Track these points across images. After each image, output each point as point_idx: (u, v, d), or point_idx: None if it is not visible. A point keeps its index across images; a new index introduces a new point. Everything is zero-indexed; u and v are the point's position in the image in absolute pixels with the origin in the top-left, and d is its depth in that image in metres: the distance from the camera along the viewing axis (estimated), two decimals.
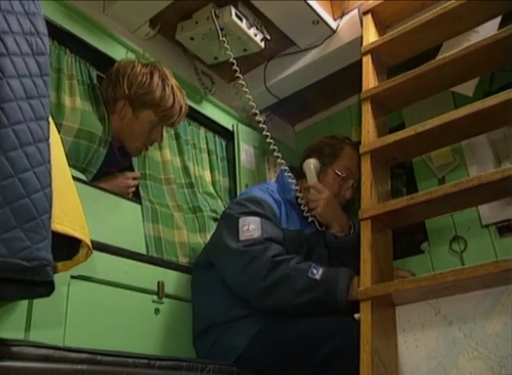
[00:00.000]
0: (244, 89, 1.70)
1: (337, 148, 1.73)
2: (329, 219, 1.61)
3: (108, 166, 1.59)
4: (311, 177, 1.68)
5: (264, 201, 1.55)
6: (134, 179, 1.63)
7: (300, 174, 1.73)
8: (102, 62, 1.67)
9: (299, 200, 1.64)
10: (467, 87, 1.74)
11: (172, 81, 1.62)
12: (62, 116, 1.44)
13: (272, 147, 1.66)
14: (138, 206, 1.57)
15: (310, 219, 1.62)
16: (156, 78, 1.57)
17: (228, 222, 1.51)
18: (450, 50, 1.50)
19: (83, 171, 1.47)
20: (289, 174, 1.65)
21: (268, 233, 1.44)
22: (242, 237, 1.42)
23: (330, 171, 1.70)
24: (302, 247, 1.57)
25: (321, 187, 1.64)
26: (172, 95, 1.59)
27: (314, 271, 1.33)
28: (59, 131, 1.33)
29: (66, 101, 1.49)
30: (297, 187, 1.64)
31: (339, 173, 1.68)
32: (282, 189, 1.68)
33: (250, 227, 1.44)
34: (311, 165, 1.70)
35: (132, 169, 1.68)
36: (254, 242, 1.40)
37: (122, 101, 1.57)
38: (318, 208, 1.60)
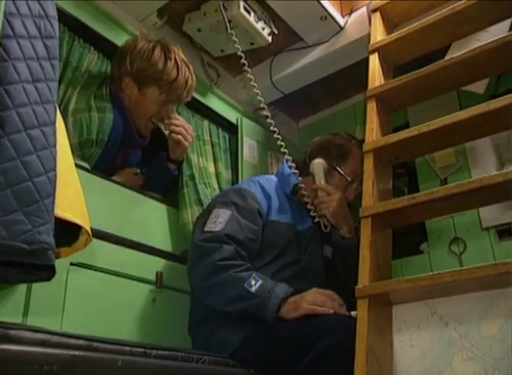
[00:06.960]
0: (252, 83, 1.69)
1: (345, 149, 1.71)
2: (340, 220, 1.62)
3: (127, 145, 1.60)
4: (320, 179, 1.66)
5: (249, 193, 1.53)
6: (135, 174, 1.63)
7: (304, 170, 1.71)
8: (109, 49, 1.66)
9: (305, 198, 1.63)
10: (478, 85, 1.73)
11: (177, 55, 1.58)
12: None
13: (279, 143, 1.65)
14: (141, 196, 1.57)
15: (316, 220, 1.62)
16: (158, 51, 1.55)
17: (205, 210, 1.55)
18: (459, 50, 1.49)
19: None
20: (295, 171, 1.64)
21: (230, 230, 1.41)
22: (206, 227, 1.43)
23: (337, 173, 1.68)
24: (292, 241, 1.56)
25: (331, 189, 1.64)
26: (175, 68, 1.56)
27: (252, 282, 1.32)
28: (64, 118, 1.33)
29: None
30: (303, 185, 1.64)
31: (347, 177, 1.68)
32: (281, 183, 1.67)
33: (218, 220, 1.43)
34: (320, 166, 1.68)
35: (153, 147, 1.72)
36: (211, 237, 1.40)
37: (126, 77, 1.56)
38: (331, 209, 1.60)
